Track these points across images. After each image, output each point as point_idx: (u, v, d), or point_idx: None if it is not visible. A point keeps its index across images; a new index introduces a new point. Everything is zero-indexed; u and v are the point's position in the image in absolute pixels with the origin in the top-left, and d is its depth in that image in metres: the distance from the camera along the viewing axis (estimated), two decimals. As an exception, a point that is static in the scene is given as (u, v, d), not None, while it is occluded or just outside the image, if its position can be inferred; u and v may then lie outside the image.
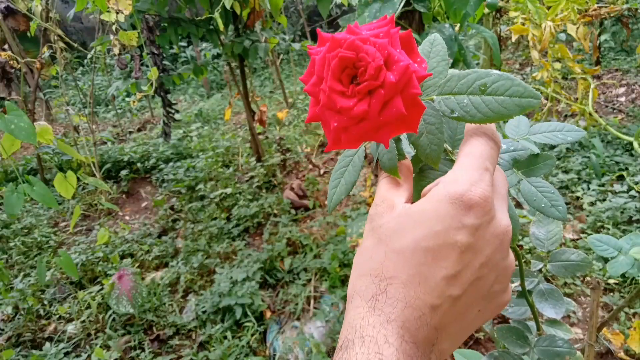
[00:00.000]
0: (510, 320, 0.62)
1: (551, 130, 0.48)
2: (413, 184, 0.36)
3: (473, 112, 0.30)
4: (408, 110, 0.27)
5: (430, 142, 0.31)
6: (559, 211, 0.43)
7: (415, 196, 0.37)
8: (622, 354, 1.50)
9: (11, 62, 1.57)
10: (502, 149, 0.38)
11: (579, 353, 0.62)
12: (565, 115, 3.24)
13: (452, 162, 0.37)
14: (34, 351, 1.87)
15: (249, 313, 1.88)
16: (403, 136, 0.37)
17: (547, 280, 0.62)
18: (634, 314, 1.66)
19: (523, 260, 0.52)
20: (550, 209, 0.43)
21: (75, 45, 1.94)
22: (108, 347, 1.85)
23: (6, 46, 2.33)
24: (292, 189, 2.85)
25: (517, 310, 0.62)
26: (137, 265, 2.43)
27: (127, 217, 3.09)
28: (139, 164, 3.68)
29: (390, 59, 0.26)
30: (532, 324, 0.61)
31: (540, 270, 0.62)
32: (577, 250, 0.60)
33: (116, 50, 1.77)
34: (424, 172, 0.36)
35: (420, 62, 0.29)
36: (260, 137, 3.52)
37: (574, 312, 1.72)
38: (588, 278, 1.87)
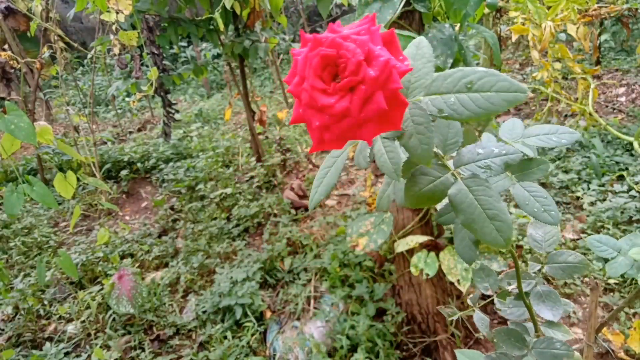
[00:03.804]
0: (508, 322, 0.62)
1: (545, 132, 0.48)
2: (405, 190, 0.36)
3: (461, 110, 0.30)
4: (390, 106, 0.27)
5: (420, 142, 0.31)
6: (551, 216, 0.43)
7: (407, 201, 0.37)
8: (622, 354, 1.50)
9: (11, 62, 1.57)
10: (493, 153, 0.39)
11: (577, 354, 0.62)
12: (566, 115, 3.24)
13: (445, 167, 0.38)
14: (34, 351, 1.87)
15: (249, 313, 1.88)
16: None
17: (547, 280, 0.62)
18: (634, 314, 1.66)
19: (522, 261, 0.51)
20: (543, 213, 0.43)
21: (75, 45, 1.94)
22: (108, 347, 1.85)
23: (6, 46, 2.33)
24: (292, 189, 2.85)
25: (515, 311, 0.62)
26: (137, 265, 2.43)
27: (127, 217, 3.09)
28: (139, 164, 3.68)
29: (370, 54, 0.26)
30: (530, 325, 0.61)
31: (539, 271, 0.62)
32: (574, 252, 0.60)
33: (116, 50, 1.77)
34: (416, 177, 0.36)
35: (402, 60, 0.28)
36: (260, 137, 3.52)
37: (574, 312, 1.72)
38: (587, 279, 1.87)
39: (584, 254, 1.92)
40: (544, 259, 0.62)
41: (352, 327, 1.69)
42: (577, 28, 2.34)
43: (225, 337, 1.82)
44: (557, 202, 2.39)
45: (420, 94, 0.32)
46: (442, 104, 0.31)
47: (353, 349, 1.65)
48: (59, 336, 1.96)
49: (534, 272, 0.62)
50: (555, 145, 0.46)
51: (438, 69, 1.17)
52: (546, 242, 0.61)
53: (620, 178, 2.42)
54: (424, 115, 0.31)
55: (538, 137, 0.48)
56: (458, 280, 1.48)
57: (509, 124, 0.50)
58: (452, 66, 1.19)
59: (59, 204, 3.13)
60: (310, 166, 3.31)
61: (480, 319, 0.65)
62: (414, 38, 1.13)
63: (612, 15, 2.62)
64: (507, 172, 0.47)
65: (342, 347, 1.63)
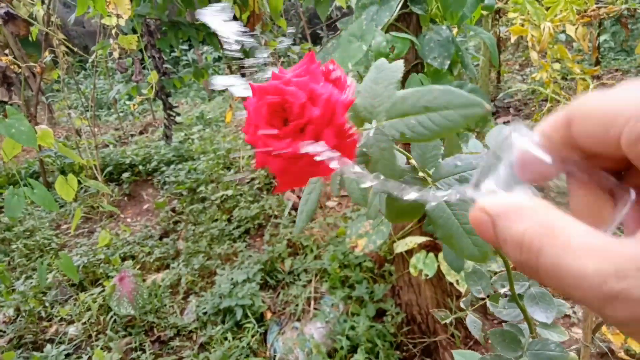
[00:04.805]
0: (503, 324, 0.62)
1: None
2: (385, 205, 0.37)
3: (420, 131, 0.30)
4: (340, 139, 0.28)
5: (384, 167, 0.31)
6: None
7: (388, 216, 0.37)
8: (622, 354, 1.50)
9: (12, 67, 1.58)
10: (471, 165, 0.38)
11: (572, 354, 0.62)
12: (566, 116, 3.24)
13: (423, 181, 0.38)
14: (35, 353, 1.87)
15: (249, 314, 1.89)
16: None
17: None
18: (634, 314, 1.66)
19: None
20: None
21: (76, 49, 1.95)
22: (109, 349, 1.86)
23: (7, 51, 2.35)
24: (292, 190, 2.86)
25: (511, 312, 0.62)
26: (138, 267, 2.44)
27: (128, 220, 3.11)
28: (140, 167, 3.70)
29: (313, 94, 0.27)
30: (525, 326, 0.61)
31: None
32: None
33: (116, 54, 1.78)
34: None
35: (348, 88, 0.29)
36: (261, 139, 3.53)
37: (574, 312, 1.72)
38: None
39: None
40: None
41: (352, 327, 1.70)
42: (576, 28, 2.34)
43: (225, 338, 1.83)
44: (557, 203, 2.39)
45: (383, 118, 0.32)
46: (403, 127, 0.31)
47: (353, 349, 1.65)
48: (60, 338, 1.97)
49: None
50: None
51: (435, 70, 1.18)
52: None
53: (621, 178, 2.41)
54: (386, 140, 0.31)
55: None
56: (457, 281, 1.48)
57: (496, 131, 0.51)
58: (450, 68, 1.20)
59: (61, 206, 3.14)
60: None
61: (472, 322, 0.65)
62: (411, 40, 1.13)
63: (611, 15, 2.62)
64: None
65: (342, 348, 1.64)
